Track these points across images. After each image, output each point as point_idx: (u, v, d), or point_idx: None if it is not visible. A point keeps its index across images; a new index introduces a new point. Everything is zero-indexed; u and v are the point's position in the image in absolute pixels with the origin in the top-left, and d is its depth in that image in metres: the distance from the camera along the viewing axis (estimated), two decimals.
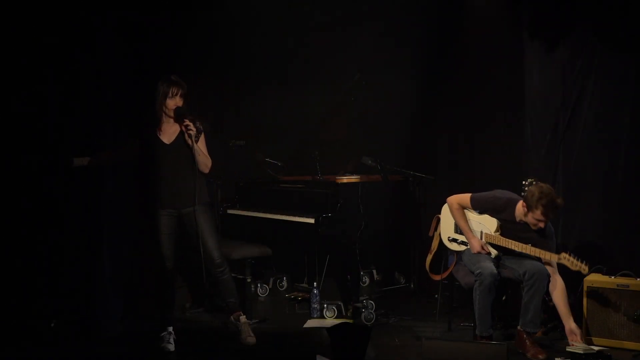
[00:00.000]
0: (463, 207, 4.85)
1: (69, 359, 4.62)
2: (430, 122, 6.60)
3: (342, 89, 5.84)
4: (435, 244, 5.27)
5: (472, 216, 4.85)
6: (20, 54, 4.71)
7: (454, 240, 4.96)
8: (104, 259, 5.00)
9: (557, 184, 5.35)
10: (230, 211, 6.04)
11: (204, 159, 4.62)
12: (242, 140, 5.85)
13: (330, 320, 5.27)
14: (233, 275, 5.57)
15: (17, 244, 4.76)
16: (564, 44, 5.31)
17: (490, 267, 4.60)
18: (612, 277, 4.71)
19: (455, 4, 6.14)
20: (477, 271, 4.59)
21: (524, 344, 4.51)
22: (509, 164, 5.79)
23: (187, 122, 4.51)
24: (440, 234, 5.15)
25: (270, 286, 6.24)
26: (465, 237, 4.84)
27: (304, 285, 6.00)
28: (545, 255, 4.48)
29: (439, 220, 5.20)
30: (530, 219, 4.49)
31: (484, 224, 4.78)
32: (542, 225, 4.48)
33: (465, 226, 4.83)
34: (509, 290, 4.96)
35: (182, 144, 4.57)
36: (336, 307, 5.41)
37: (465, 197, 4.81)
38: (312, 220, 5.34)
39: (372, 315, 5.26)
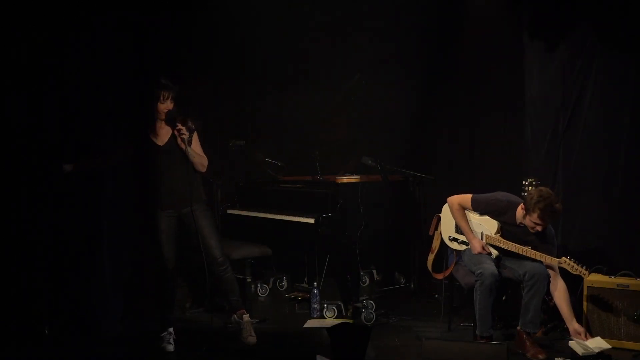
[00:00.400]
0: (464, 208, 4.84)
1: (69, 359, 4.62)
2: (430, 122, 6.61)
3: (342, 89, 5.84)
4: (436, 244, 5.27)
5: (473, 217, 4.85)
6: (19, 55, 4.70)
7: (455, 239, 4.96)
8: (104, 259, 4.99)
9: (557, 184, 5.36)
10: (230, 211, 6.04)
11: (199, 159, 4.61)
12: (242, 140, 5.85)
13: (330, 320, 5.27)
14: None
15: (17, 244, 4.76)
16: (564, 44, 5.32)
17: (491, 267, 4.60)
18: (612, 277, 4.71)
19: (455, 4, 6.15)
20: (478, 271, 4.59)
21: (524, 344, 4.51)
22: (509, 164, 5.79)
23: (179, 126, 4.50)
24: (441, 233, 5.16)
25: (270, 286, 6.24)
26: (466, 237, 4.83)
27: (304, 285, 6.00)
28: (546, 258, 4.47)
29: (439, 219, 5.20)
30: (528, 221, 4.48)
31: (485, 226, 4.78)
32: (539, 228, 4.46)
33: (466, 227, 4.83)
34: (509, 291, 4.96)
35: (175, 145, 4.57)
36: (336, 307, 5.41)
37: (466, 198, 4.81)
38: (312, 220, 5.34)
39: (372, 315, 5.26)
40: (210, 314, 5.46)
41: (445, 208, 5.04)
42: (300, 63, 6.43)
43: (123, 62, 5.15)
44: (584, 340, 4.46)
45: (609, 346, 4.41)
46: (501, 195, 4.73)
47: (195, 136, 4.63)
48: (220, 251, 4.75)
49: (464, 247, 4.89)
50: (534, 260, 4.55)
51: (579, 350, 4.38)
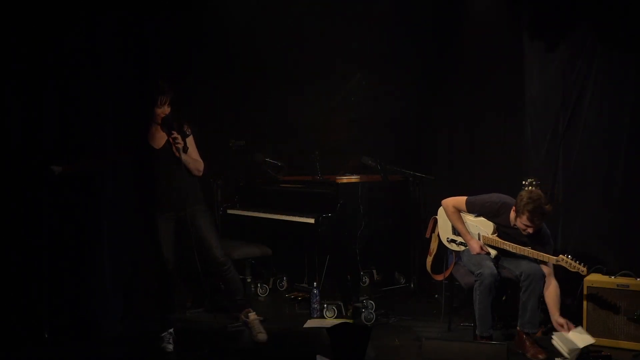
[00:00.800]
0: (459, 210, 4.83)
1: (69, 359, 4.62)
2: (431, 122, 6.62)
3: (342, 89, 5.84)
4: (434, 246, 5.27)
5: (469, 218, 4.84)
6: (19, 55, 4.70)
7: (453, 241, 4.96)
8: (104, 259, 4.99)
9: (557, 184, 5.35)
10: (230, 211, 6.04)
11: (194, 165, 4.62)
12: (242, 140, 5.85)
13: (330, 320, 5.27)
14: None
15: (17, 244, 4.76)
16: (564, 44, 5.31)
17: (490, 267, 4.60)
18: (612, 277, 4.71)
19: (455, 5, 6.15)
20: (477, 271, 4.59)
21: (523, 344, 4.51)
22: (509, 164, 5.79)
23: (174, 134, 4.49)
24: (439, 235, 5.15)
25: (270, 286, 6.23)
26: (463, 238, 4.83)
27: (304, 285, 6.00)
28: (543, 257, 4.47)
29: (435, 221, 5.20)
30: (519, 223, 4.47)
31: (481, 227, 4.78)
32: (530, 230, 4.44)
33: (462, 228, 4.83)
34: (508, 290, 4.96)
35: (171, 149, 4.55)
36: (336, 307, 5.41)
37: (461, 201, 4.80)
38: (312, 220, 5.34)
39: (372, 315, 5.26)
40: (210, 314, 5.49)
41: (442, 210, 5.03)
42: (300, 63, 6.43)
43: (123, 63, 5.16)
44: (566, 332, 4.43)
45: (592, 339, 4.38)
46: (496, 197, 4.72)
47: (191, 140, 4.63)
48: (221, 251, 4.75)
49: (462, 247, 4.89)
50: (530, 260, 4.55)
51: (563, 350, 4.34)
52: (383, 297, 5.84)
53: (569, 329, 4.43)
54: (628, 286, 4.61)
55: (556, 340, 4.40)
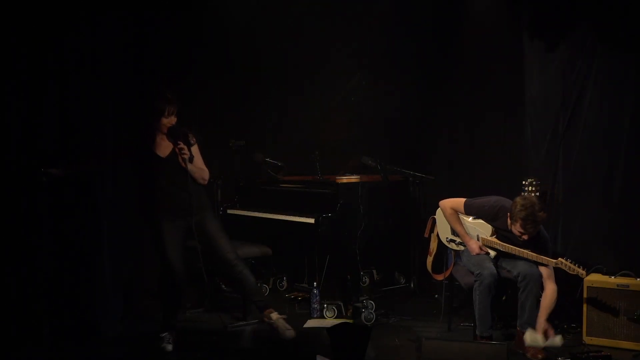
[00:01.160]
0: (456, 212, 4.83)
1: (69, 359, 4.62)
2: (430, 121, 6.62)
3: (342, 89, 5.84)
4: (434, 245, 5.27)
5: (468, 220, 4.84)
6: (19, 55, 4.70)
7: (452, 240, 4.96)
8: (104, 259, 4.99)
9: (557, 184, 5.35)
10: (230, 211, 6.04)
11: (200, 174, 4.63)
12: (242, 140, 5.85)
13: (330, 320, 5.27)
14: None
15: (17, 244, 4.75)
16: (564, 44, 5.31)
17: (489, 267, 4.60)
18: (612, 277, 4.71)
19: (455, 5, 6.15)
20: (477, 271, 4.59)
21: (523, 344, 4.50)
22: (509, 164, 5.79)
23: (180, 145, 4.50)
24: (438, 235, 5.15)
25: (270, 286, 6.23)
26: (462, 239, 4.83)
27: (304, 285, 6.00)
28: (542, 260, 4.46)
29: (434, 221, 5.20)
30: (513, 229, 4.45)
31: (479, 229, 4.77)
32: (525, 237, 4.43)
33: (461, 230, 4.82)
34: (508, 290, 4.95)
35: (177, 158, 4.56)
36: (336, 307, 5.41)
37: (459, 203, 4.79)
38: (312, 220, 5.34)
39: (372, 315, 5.26)
40: (210, 314, 5.49)
41: (440, 210, 5.02)
42: (300, 63, 6.43)
43: (123, 63, 5.15)
44: (541, 336, 4.41)
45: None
46: (494, 200, 4.68)
47: (196, 149, 4.63)
48: (234, 254, 4.77)
49: (462, 247, 4.89)
50: (528, 260, 4.54)
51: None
52: (383, 297, 5.84)
53: (547, 337, 4.40)
54: (628, 286, 4.61)
55: (528, 335, 4.41)
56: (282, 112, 6.51)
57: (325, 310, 5.38)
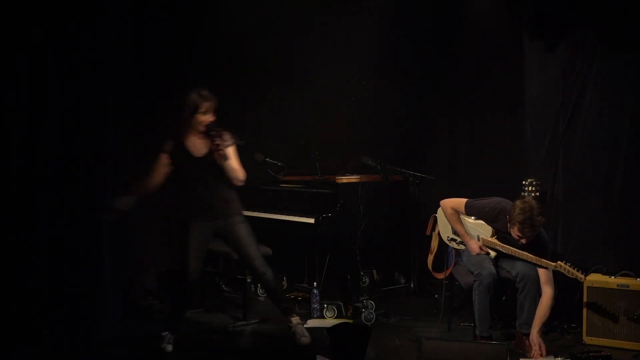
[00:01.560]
0: (457, 212, 4.82)
1: (69, 359, 4.61)
2: (430, 122, 6.61)
3: (342, 89, 5.84)
4: (435, 244, 5.27)
5: (468, 220, 4.83)
6: (19, 55, 4.70)
7: (453, 240, 4.96)
8: (104, 259, 4.99)
9: (557, 184, 5.35)
10: None
11: (235, 174, 4.58)
12: (242, 141, 5.84)
13: (330, 320, 5.27)
14: (233, 275, 5.60)
15: (17, 244, 4.75)
16: (564, 44, 5.31)
17: (489, 267, 4.60)
18: (612, 277, 4.71)
19: (455, 5, 6.15)
20: (476, 271, 4.59)
21: (523, 344, 4.51)
22: (509, 164, 5.79)
23: (217, 141, 4.46)
24: (439, 233, 5.15)
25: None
26: (462, 239, 4.82)
27: (304, 285, 6.00)
28: (542, 262, 4.45)
29: (435, 219, 5.20)
30: (512, 233, 4.44)
31: (480, 229, 4.77)
32: (523, 241, 4.41)
33: (461, 229, 4.82)
34: (508, 291, 4.96)
35: (213, 157, 4.52)
36: (336, 307, 5.41)
37: (460, 203, 4.78)
38: (312, 220, 5.34)
39: (372, 315, 5.26)
40: (210, 314, 5.49)
41: (441, 209, 5.02)
42: (300, 63, 6.43)
43: (123, 63, 5.15)
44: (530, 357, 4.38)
45: None
46: (495, 202, 4.67)
47: (232, 150, 4.60)
48: (261, 261, 4.75)
49: (462, 246, 4.89)
50: (526, 261, 4.53)
51: None
52: (383, 297, 5.84)
53: (540, 354, 4.36)
54: (628, 286, 4.61)
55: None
56: (282, 112, 6.51)
57: (325, 310, 5.38)
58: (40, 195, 4.76)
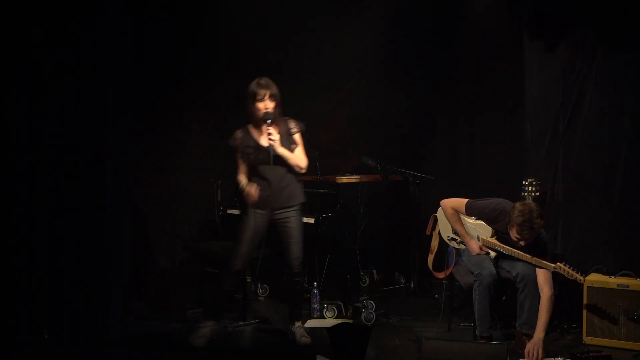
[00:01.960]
0: (457, 212, 4.82)
1: (69, 359, 4.61)
2: (430, 122, 6.61)
3: (342, 89, 5.84)
4: (435, 243, 5.26)
5: (469, 221, 4.83)
6: (19, 55, 4.70)
7: (454, 239, 4.96)
8: (104, 259, 4.99)
9: (557, 184, 5.35)
10: (230, 211, 6.02)
11: (294, 161, 4.62)
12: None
13: (330, 320, 5.27)
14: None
15: (17, 244, 4.75)
16: (564, 44, 5.31)
17: (489, 267, 4.60)
18: (612, 277, 4.71)
19: (455, 5, 6.15)
20: (477, 271, 4.59)
21: (523, 344, 4.50)
22: (509, 164, 5.79)
23: (269, 129, 4.52)
24: (439, 233, 5.15)
25: (271, 286, 6.22)
26: (463, 240, 4.82)
27: (304, 285, 5.98)
28: (542, 264, 4.44)
29: (436, 219, 5.20)
30: (511, 234, 4.43)
31: (480, 230, 4.77)
32: (522, 243, 4.41)
33: (461, 230, 4.81)
34: (508, 291, 4.95)
35: (282, 145, 4.59)
36: (336, 307, 5.40)
37: (460, 203, 4.77)
38: (312, 220, 5.33)
39: (372, 315, 5.26)
40: (211, 313, 5.47)
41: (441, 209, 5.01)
42: (300, 63, 6.43)
43: (124, 63, 5.15)
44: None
45: None
46: (495, 203, 4.66)
47: (298, 137, 4.68)
48: (300, 261, 4.77)
49: (463, 246, 4.89)
50: (527, 262, 4.53)
51: None
52: (383, 297, 5.83)
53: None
54: (628, 286, 4.61)
55: None
56: (282, 112, 6.50)
57: (325, 310, 5.38)
58: (40, 195, 4.76)
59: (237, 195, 6.07)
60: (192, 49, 6.10)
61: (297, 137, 4.69)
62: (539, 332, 4.37)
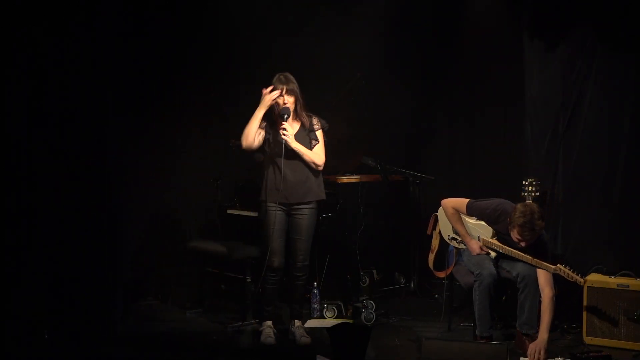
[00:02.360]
0: (458, 212, 4.82)
1: (69, 359, 4.61)
2: (430, 121, 6.61)
3: (342, 89, 5.84)
4: (436, 243, 5.26)
5: (469, 221, 4.83)
6: (18, 54, 4.69)
7: (454, 239, 4.96)
8: (104, 259, 4.99)
9: (557, 184, 5.35)
10: (230, 211, 6.03)
11: (310, 157, 4.69)
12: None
13: (330, 320, 5.27)
14: (233, 275, 5.60)
15: (17, 244, 4.75)
16: (564, 44, 5.31)
17: (489, 267, 4.60)
18: (612, 277, 4.71)
19: (455, 4, 6.15)
20: (477, 271, 4.59)
21: (523, 344, 4.50)
22: (509, 164, 5.79)
23: (282, 125, 4.60)
24: (440, 232, 5.15)
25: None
26: (463, 240, 4.82)
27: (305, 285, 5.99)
28: (542, 265, 4.44)
29: (436, 218, 5.20)
30: (512, 235, 4.43)
31: (481, 230, 4.76)
32: (523, 244, 4.40)
33: (462, 229, 4.81)
34: (508, 291, 4.95)
35: (299, 141, 4.66)
36: (336, 307, 5.40)
37: (461, 203, 4.76)
38: None
39: (372, 315, 5.26)
40: (210, 314, 5.48)
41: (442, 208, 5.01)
42: (300, 63, 6.42)
43: (124, 63, 5.15)
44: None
45: None
46: (496, 203, 4.65)
47: (320, 134, 4.74)
48: (304, 257, 4.79)
49: (463, 246, 4.89)
50: (527, 262, 4.53)
51: None
52: (383, 297, 5.84)
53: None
54: (628, 286, 4.61)
55: None
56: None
57: (325, 310, 5.38)
58: (40, 195, 4.75)
59: (238, 195, 6.11)
60: (192, 49, 6.10)
61: (319, 134, 4.76)
62: (543, 333, 4.36)
